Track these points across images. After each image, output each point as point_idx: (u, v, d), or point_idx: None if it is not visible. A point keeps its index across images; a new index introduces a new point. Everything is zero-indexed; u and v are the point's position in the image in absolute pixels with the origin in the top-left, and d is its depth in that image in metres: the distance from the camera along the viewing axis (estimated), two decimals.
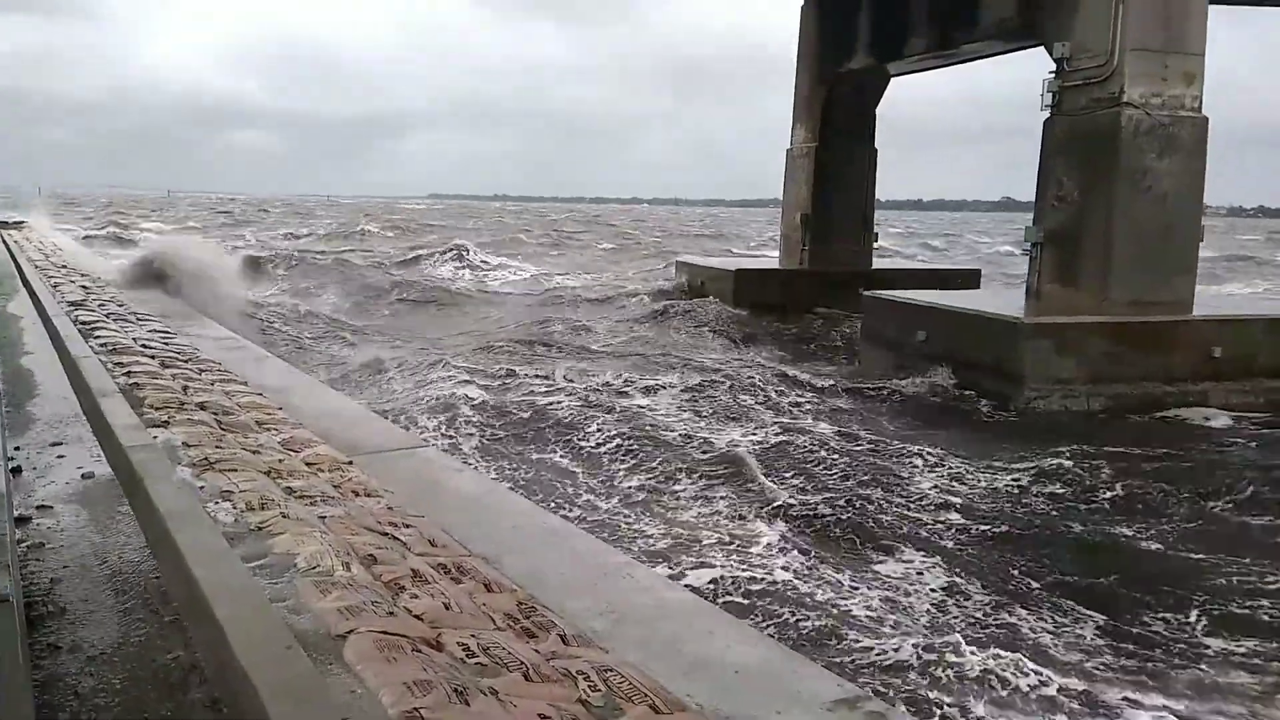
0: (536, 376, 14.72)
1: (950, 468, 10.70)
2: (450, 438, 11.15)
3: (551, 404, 12.78)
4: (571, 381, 14.45)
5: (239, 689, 2.56)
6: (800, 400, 14.34)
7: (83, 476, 4.62)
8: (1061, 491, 10.00)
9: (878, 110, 25.50)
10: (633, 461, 10.44)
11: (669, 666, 3.12)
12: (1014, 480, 10.35)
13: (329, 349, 18.30)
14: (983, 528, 8.77)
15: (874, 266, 26.33)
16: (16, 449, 4.99)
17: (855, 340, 19.31)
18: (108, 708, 2.63)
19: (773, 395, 14.42)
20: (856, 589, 7.20)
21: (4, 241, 22.07)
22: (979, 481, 10.32)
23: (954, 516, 9.03)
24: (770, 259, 31.36)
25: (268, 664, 2.59)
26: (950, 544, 8.37)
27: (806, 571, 7.45)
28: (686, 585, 6.24)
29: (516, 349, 17.92)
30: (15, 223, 33.25)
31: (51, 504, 4.21)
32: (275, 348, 14.46)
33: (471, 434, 11.38)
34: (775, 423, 12.38)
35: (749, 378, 15.38)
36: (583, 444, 11.11)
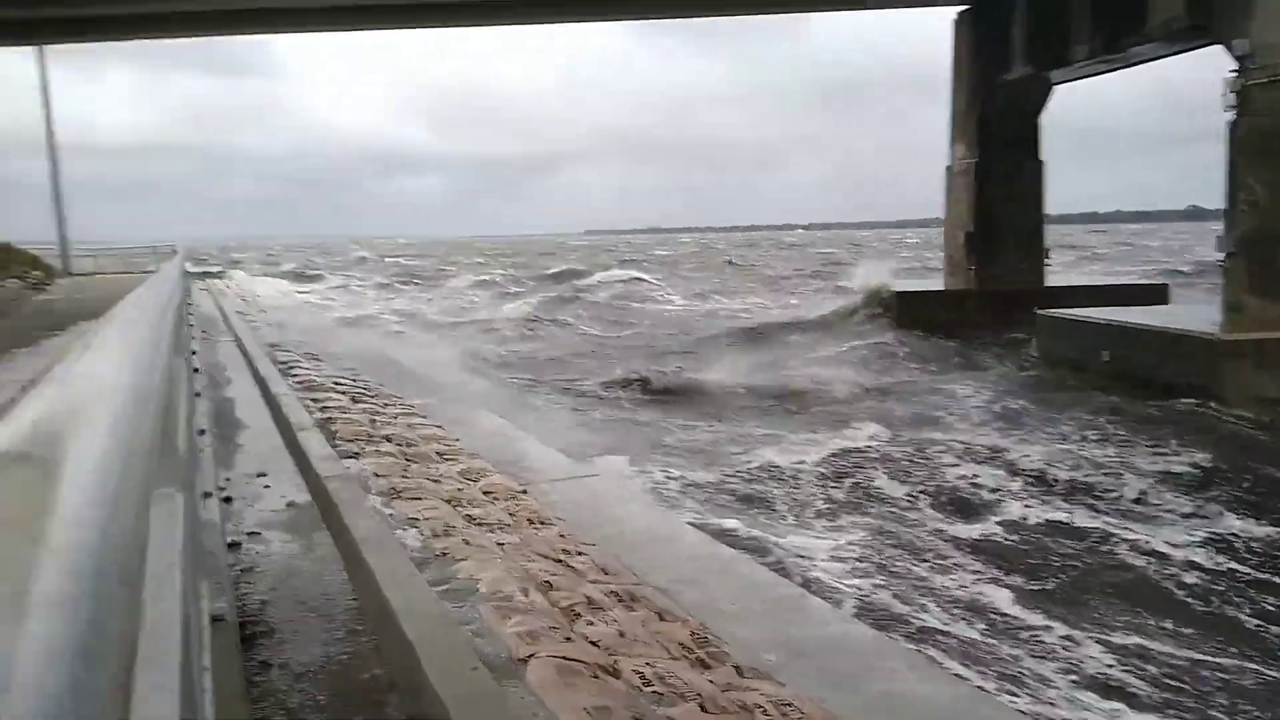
0: None
1: None
2: None
3: None
4: None
5: (431, 707, 2.67)
6: None
7: (286, 505, 4.98)
8: None
9: (1042, 120, 24.33)
10: None
11: (849, 703, 3.03)
12: None
13: None
14: None
15: (1047, 284, 24.97)
16: (227, 479, 5.44)
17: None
18: None
19: None
20: None
21: (210, 292, 24.27)
22: None
23: None
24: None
25: (456, 684, 2.69)
26: None
27: None
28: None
29: None
30: (217, 273, 36.74)
31: (259, 530, 4.55)
32: None
33: None
34: None
35: None
36: None
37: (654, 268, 57.04)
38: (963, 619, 7.07)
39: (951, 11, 25.14)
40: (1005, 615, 7.25)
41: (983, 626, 6.99)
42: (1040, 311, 17.81)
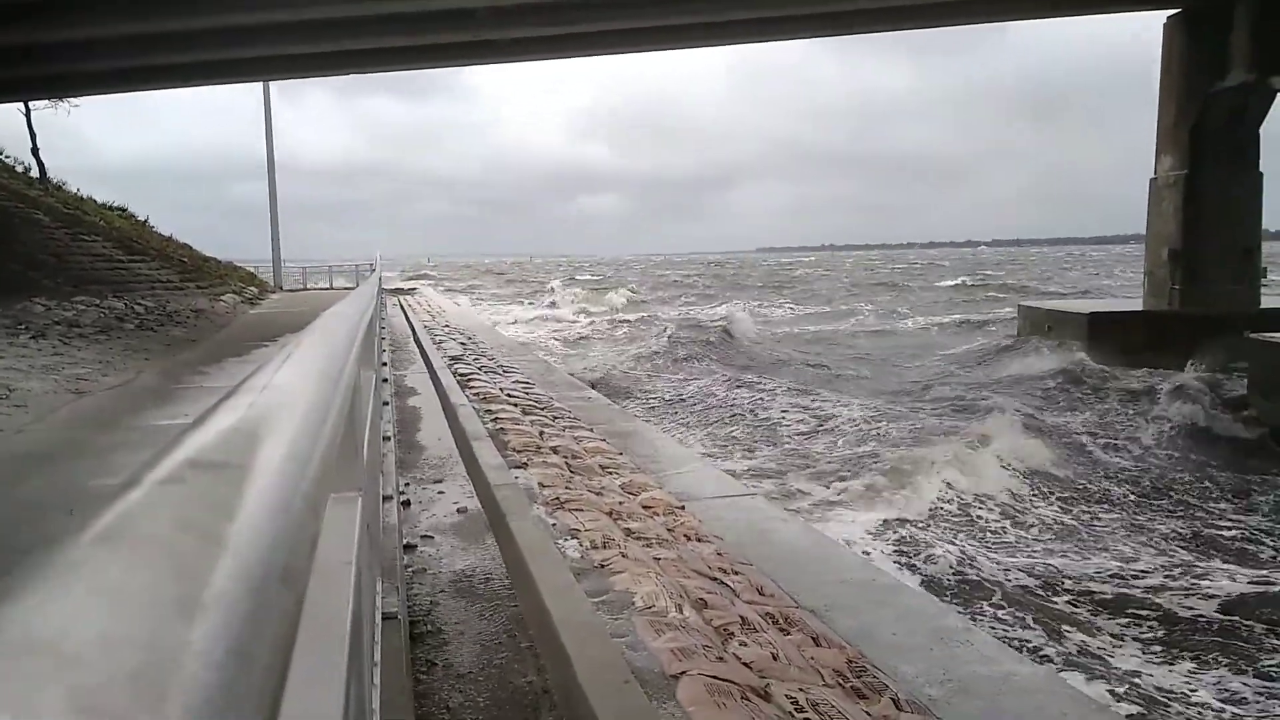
0: None
1: None
2: None
3: None
4: None
5: (583, 717, 2.75)
6: None
7: (458, 511, 5.25)
8: None
9: (1262, 130, 22.24)
10: None
11: None
12: None
13: None
14: None
15: (1263, 306, 22.73)
16: (406, 484, 5.79)
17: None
18: None
19: None
20: None
21: (401, 307, 25.89)
22: None
23: None
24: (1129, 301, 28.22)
25: (608, 696, 2.75)
26: None
27: None
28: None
29: None
30: (409, 290, 39.12)
31: (433, 534, 4.81)
32: None
33: None
34: None
35: None
36: None
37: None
38: None
39: (1161, 15, 23.47)
40: None
41: None
42: (1252, 335, 16.25)
